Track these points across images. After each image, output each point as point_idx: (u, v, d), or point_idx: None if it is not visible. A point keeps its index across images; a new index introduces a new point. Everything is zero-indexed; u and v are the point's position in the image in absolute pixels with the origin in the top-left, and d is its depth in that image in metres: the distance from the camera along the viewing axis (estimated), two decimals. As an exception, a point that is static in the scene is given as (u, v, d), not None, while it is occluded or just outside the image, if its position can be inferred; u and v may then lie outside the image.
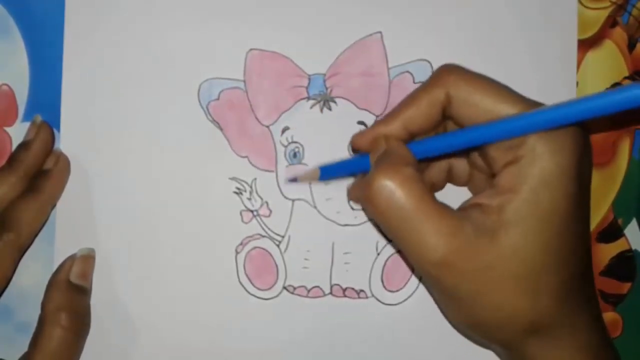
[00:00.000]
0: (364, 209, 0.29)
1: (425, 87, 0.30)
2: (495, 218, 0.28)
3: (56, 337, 0.32)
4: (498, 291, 0.28)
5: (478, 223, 0.28)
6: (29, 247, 0.34)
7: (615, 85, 0.37)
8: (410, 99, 0.30)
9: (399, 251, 0.36)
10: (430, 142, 0.30)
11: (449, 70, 0.30)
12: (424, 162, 0.32)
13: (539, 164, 0.27)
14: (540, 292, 0.28)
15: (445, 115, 0.30)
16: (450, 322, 0.33)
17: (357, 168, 0.33)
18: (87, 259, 0.34)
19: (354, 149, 0.33)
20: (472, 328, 0.31)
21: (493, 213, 0.28)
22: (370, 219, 0.35)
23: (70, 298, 0.33)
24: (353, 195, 0.34)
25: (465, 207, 0.29)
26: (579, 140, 0.28)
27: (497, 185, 0.29)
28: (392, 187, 0.28)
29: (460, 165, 0.34)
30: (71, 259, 0.34)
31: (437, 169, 0.34)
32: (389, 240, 0.36)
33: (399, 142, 0.30)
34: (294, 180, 0.35)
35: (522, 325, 0.29)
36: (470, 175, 0.33)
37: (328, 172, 0.34)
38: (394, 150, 0.30)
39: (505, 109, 0.28)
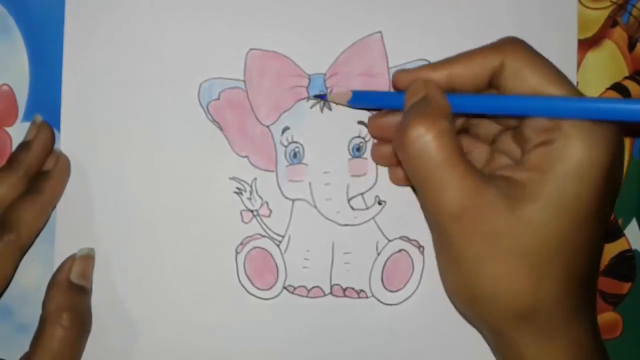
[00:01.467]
0: (397, 153, 0.30)
1: (483, 49, 0.30)
2: (518, 191, 0.28)
3: (57, 337, 0.32)
4: (503, 262, 0.28)
5: (501, 190, 0.28)
6: (29, 247, 0.34)
7: (616, 85, 0.37)
8: (464, 56, 0.31)
9: (399, 251, 0.36)
10: (470, 98, 0.30)
11: (512, 41, 0.30)
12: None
13: (571, 151, 0.28)
14: (545, 277, 0.28)
15: (492, 84, 0.30)
16: (448, 293, 0.33)
17: (390, 103, 0.33)
18: (87, 258, 0.34)
19: (394, 84, 0.33)
20: (468, 302, 0.31)
21: (517, 186, 0.28)
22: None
23: (71, 298, 0.33)
24: (374, 127, 0.34)
25: (491, 175, 0.30)
26: (615, 138, 0.28)
27: (525, 162, 0.29)
28: (427, 138, 0.28)
29: (479, 149, 0.34)
30: (71, 259, 0.34)
31: None
32: (389, 240, 0.36)
33: (439, 91, 0.30)
34: (322, 97, 0.35)
35: (519, 307, 0.29)
36: (490, 161, 0.33)
37: (359, 99, 0.34)
38: (434, 98, 0.30)
39: (553, 90, 0.28)
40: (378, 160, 0.35)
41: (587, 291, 0.30)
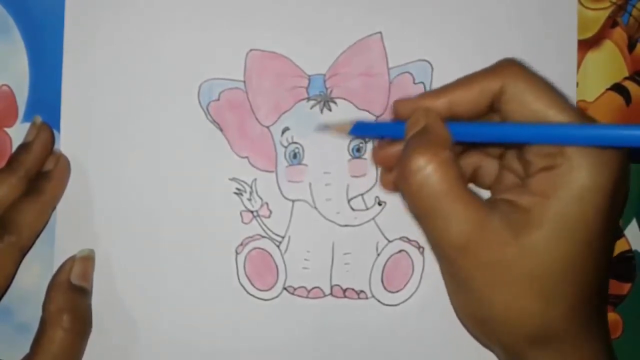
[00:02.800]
0: (399, 186, 0.30)
1: (482, 73, 0.30)
2: (523, 217, 0.28)
3: (58, 339, 0.32)
4: (511, 288, 0.28)
5: (505, 217, 0.28)
6: (30, 248, 0.34)
7: (615, 85, 0.37)
8: (464, 81, 0.30)
9: (399, 251, 0.36)
10: (471, 127, 0.30)
11: (511, 64, 0.30)
12: (457, 149, 0.32)
13: (575, 177, 0.27)
14: (553, 299, 0.28)
15: (493, 108, 0.30)
16: (458, 316, 0.33)
17: (391, 132, 0.33)
18: (87, 259, 0.34)
19: (394, 113, 0.32)
20: (480, 325, 0.31)
21: (521, 211, 0.28)
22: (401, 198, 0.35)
23: (72, 299, 0.33)
24: (378, 158, 0.34)
25: (494, 200, 0.30)
26: (619, 161, 0.28)
27: (529, 186, 0.29)
28: (428, 170, 0.28)
29: (489, 165, 0.33)
30: (71, 260, 0.34)
31: (464, 165, 0.34)
32: (389, 241, 0.36)
33: (439, 120, 0.30)
34: (324, 128, 0.35)
35: (529, 330, 0.29)
36: (499, 177, 0.33)
37: (360, 129, 0.34)
38: (434, 128, 0.30)
39: (555, 115, 0.28)
40: (385, 187, 0.35)
41: (597, 310, 0.30)
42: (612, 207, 0.28)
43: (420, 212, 0.29)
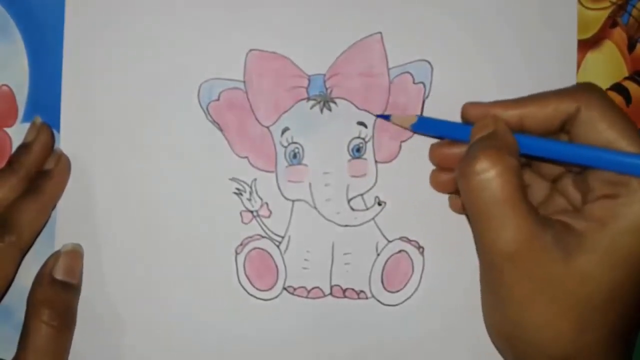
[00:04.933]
0: (458, 184, 0.30)
1: (560, 93, 0.30)
2: (575, 240, 0.28)
3: (39, 332, 0.32)
4: (549, 308, 0.28)
5: (558, 236, 0.28)
6: (30, 247, 0.34)
7: (615, 86, 0.37)
8: (540, 97, 0.30)
9: (399, 252, 0.36)
10: (540, 141, 0.30)
11: (590, 88, 0.30)
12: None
13: (635, 209, 0.28)
14: (591, 325, 0.28)
15: (563, 129, 0.30)
16: (488, 329, 0.32)
17: (456, 134, 0.33)
18: (73, 254, 0.34)
19: (462, 115, 0.32)
20: (509, 341, 0.30)
21: (574, 234, 0.28)
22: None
23: (53, 294, 0.33)
24: (436, 155, 0.34)
25: (549, 218, 0.29)
26: None
27: (586, 212, 0.29)
28: (493, 173, 0.28)
29: (540, 186, 0.33)
30: (56, 254, 0.34)
31: None
32: (389, 241, 0.36)
33: (508, 129, 0.30)
34: (386, 117, 0.35)
35: (558, 354, 0.29)
36: (548, 200, 0.33)
37: (423, 125, 0.34)
38: (502, 135, 0.30)
39: (627, 146, 0.28)
40: (436, 186, 0.35)
41: (627, 346, 0.30)
42: None
43: (476, 213, 0.29)
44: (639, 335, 0.32)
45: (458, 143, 0.33)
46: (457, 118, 0.33)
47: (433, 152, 0.35)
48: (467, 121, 0.32)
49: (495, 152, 0.29)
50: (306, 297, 0.35)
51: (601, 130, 0.29)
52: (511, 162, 0.28)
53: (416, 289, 0.36)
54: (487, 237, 0.29)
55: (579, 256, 0.28)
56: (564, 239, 0.28)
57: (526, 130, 0.31)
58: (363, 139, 0.35)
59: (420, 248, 0.36)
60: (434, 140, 0.35)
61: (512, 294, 0.29)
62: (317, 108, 0.35)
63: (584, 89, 0.30)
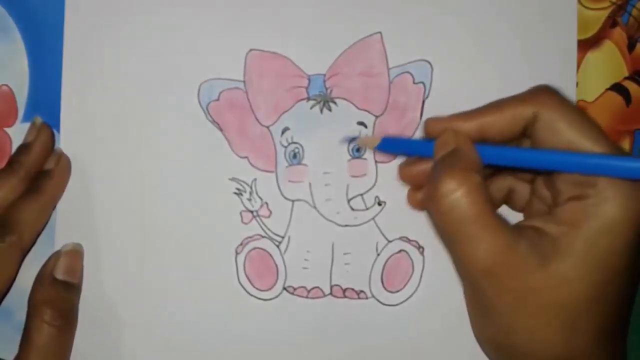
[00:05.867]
0: (427, 207, 0.30)
1: (516, 99, 0.30)
2: (550, 245, 0.28)
3: (41, 331, 0.32)
4: (535, 317, 0.28)
5: (532, 244, 0.28)
6: (31, 248, 0.34)
7: (615, 85, 0.37)
8: (497, 105, 0.30)
9: (399, 251, 0.36)
10: (502, 150, 0.30)
11: (546, 91, 0.30)
12: (488, 171, 0.32)
13: (604, 209, 0.27)
14: (578, 330, 0.28)
15: (525, 134, 0.30)
16: (479, 342, 0.32)
17: (419, 150, 0.33)
18: (74, 254, 0.34)
19: (424, 132, 0.32)
20: (500, 351, 0.30)
21: (548, 240, 0.28)
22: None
23: (54, 293, 0.33)
24: (404, 175, 0.34)
25: (521, 226, 0.29)
26: None
27: (557, 215, 0.29)
28: (458, 194, 0.28)
29: (522, 189, 0.33)
30: (56, 254, 0.34)
31: (498, 187, 0.34)
32: (389, 241, 0.36)
33: (469, 143, 0.30)
34: (352, 140, 0.35)
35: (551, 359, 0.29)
36: (529, 202, 0.33)
37: (388, 145, 0.34)
38: (464, 151, 0.30)
39: (589, 145, 0.28)
40: (413, 206, 0.35)
41: (619, 342, 0.30)
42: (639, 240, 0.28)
43: (448, 235, 0.29)
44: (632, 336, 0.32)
45: (424, 159, 0.33)
46: (457, 118, 0.33)
47: (401, 172, 0.34)
48: (429, 137, 0.32)
49: (459, 171, 0.28)
50: (306, 297, 0.35)
51: (562, 131, 0.28)
52: (476, 180, 0.28)
53: (416, 289, 0.36)
54: (462, 256, 0.29)
55: (555, 262, 0.28)
56: (538, 246, 0.28)
57: (488, 140, 0.30)
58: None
59: (420, 248, 0.36)
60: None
61: (496, 308, 0.29)
62: (317, 108, 0.35)
63: (540, 93, 0.30)
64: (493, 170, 0.33)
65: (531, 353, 0.29)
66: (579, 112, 0.29)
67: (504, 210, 0.34)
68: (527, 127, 0.30)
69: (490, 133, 0.30)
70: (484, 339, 0.32)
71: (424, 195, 0.30)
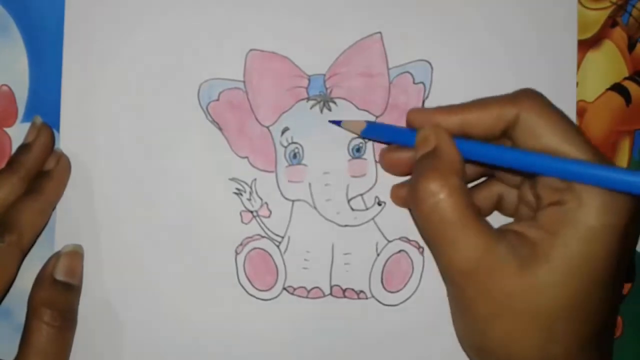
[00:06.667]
0: (410, 208, 0.30)
1: (500, 99, 0.30)
2: (529, 250, 0.28)
3: (40, 333, 0.32)
4: (513, 320, 0.28)
5: (512, 248, 0.28)
6: (31, 248, 0.34)
7: (615, 86, 0.37)
8: (480, 104, 0.30)
9: (399, 252, 0.36)
10: (482, 147, 0.30)
11: (529, 94, 0.30)
12: (475, 176, 0.32)
13: (583, 216, 0.27)
14: (556, 336, 0.28)
15: (506, 134, 0.30)
16: (460, 342, 0.32)
17: (402, 139, 0.33)
18: (74, 255, 0.34)
19: (408, 122, 0.32)
20: (479, 353, 0.30)
21: (528, 244, 0.28)
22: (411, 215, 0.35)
23: (54, 294, 0.33)
24: (385, 161, 0.34)
25: (504, 230, 0.30)
26: (631, 205, 0.27)
27: (537, 220, 0.29)
28: (440, 197, 0.28)
29: (510, 195, 0.33)
30: (56, 255, 0.34)
31: (487, 195, 0.34)
32: (389, 241, 0.36)
33: (450, 142, 0.30)
34: (337, 123, 0.35)
35: None
36: (517, 208, 0.33)
37: (372, 131, 0.34)
38: (445, 152, 0.30)
39: (568, 150, 0.28)
40: (397, 203, 0.35)
41: (601, 349, 0.30)
42: (621, 248, 0.28)
43: (430, 236, 0.29)
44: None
45: (406, 148, 0.33)
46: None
47: (382, 157, 0.35)
48: (412, 127, 0.32)
49: (441, 174, 0.29)
50: (306, 297, 0.35)
51: (542, 135, 0.28)
52: (457, 182, 0.29)
53: (416, 289, 0.36)
54: (444, 258, 0.29)
55: (533, 268, 0.27)
56: (518, 250, 0.28)
57: (469, 137, 0.30)
58: (363, 139, 0.35)
59: (420, 248, 0.36)
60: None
61: (476, 310, 0.29)
62: (317, 108, 0.35)
63: (524, 95, 0.30)
64: (481, 170, 0.33)
65: (510, 357, 0.29)
66: (559, 115, 0.29)
67: (498, 218, 0.35)
68: (508, 128, 0.30)
69: (472, 130, 0.30)
70: (464, 342, 0.32)
71: (406, 197, 0.30)
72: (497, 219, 0.34)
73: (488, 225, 0.29)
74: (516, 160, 0.29)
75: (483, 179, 0.35)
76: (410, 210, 0.31)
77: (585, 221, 0.27)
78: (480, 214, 0.29)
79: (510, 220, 0.34)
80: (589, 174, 0.27)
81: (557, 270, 0.27)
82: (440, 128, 0.30)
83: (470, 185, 0.34)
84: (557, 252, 0.27)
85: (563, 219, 0.28)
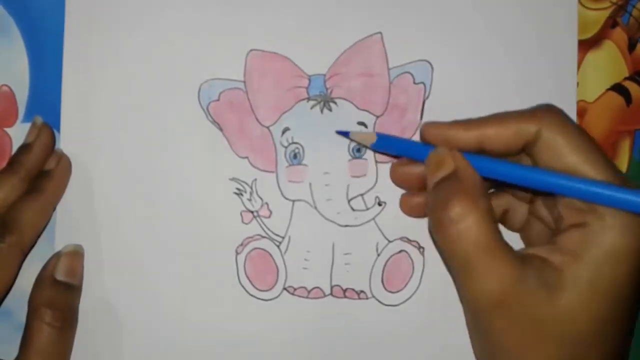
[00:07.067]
0: (431, 229, 0.29)
1: (520, 115, 0.29)
2: (556, 276, 0.27)
3: (41, 333, 0.32)
4: (544, 349, 0.28)
5: (539, 275, 0.28)
6: (31, 248, 0.34)
7: (616, 86, 0.37)
8: (498, 119, 0.29)
9: (400, 252, 0.36)
10: (502, 166, 0.29)
11: (550, 110, 0.29)
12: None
13: (607, 238, 0.27)
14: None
15: (525, 151, 0.29)
16: None
17: (414, 154, 0.32)
18: (74, 255, 0.34)
19: (422, 135, 0.31)
20: None
21: (554, 271, 0.28)
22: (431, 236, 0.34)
23: (54, 295, 0.33)
24: (396, 175, 0.34)
25: (527, 255, 0.29)
26: None
27: (560, 244, 0.28)
28: (470, 222, 0.27)
29: (520, 208, 0.33)
30: (56, 255, 0.34)
31: (494, 206, 0.32)
32: (390, 241, 0.36)
33: (468, 164, 0.29)
34: (345, 134, 0.34)
35: None
36: (528, 223, 0.32)
37: (383, 143, 0.33)
38: (466, 175, 0.29)
39: (590, 171, 0.27)
40: (408, 212, 0.35)
41: None
42: None
43: (457, 263, 0.28)
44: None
45: (418, 162, 0.32)
46: (457, 118, 0.33)
47: (393, 172, 0.34)
48: (426, 142, 0.31)
49: (466, 197, 0.28)
50: (306, 297, 0.35)
51: (564, 154, 0.28)
52: (485, 206, 0.28)
53: (416, 290, 0.36)
54: (471, 287, 0.28)
55: (561, 294, 0.27)
56: (545, 277, 0.28)
57: (485, 152, 0.30)
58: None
59: (420, 248, 0.36)
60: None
61: (505, 341, 0.28)
62: (317, 108, 0.35)
63: (545, 111, 0.29)
64: (488, 185, 0.33)
65: None
66: (582, 134, 0.28)
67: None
68: (527, 145, 0.29)
69: (490, 145, 0.29)
70: None
71: (429, 219, 0.29)
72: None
73: (514, 252, 0.28)
74: (539, 181, 0.28)
75: (491, 190, 0.34)
76: (431, 235, 0.29)
77: (610, 243, 0.27)
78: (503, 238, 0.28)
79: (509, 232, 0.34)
80: (614, 197, 0.26)
81: (586, 296, 0.27)
82: (455, 152, 0.30)
83: None
84: (584, 277, 0.27)
85: (587, 242, 0.27)
